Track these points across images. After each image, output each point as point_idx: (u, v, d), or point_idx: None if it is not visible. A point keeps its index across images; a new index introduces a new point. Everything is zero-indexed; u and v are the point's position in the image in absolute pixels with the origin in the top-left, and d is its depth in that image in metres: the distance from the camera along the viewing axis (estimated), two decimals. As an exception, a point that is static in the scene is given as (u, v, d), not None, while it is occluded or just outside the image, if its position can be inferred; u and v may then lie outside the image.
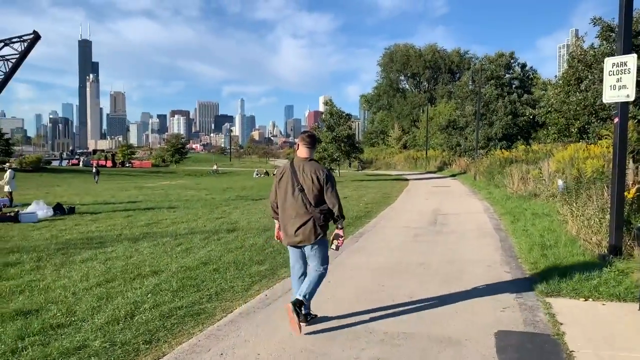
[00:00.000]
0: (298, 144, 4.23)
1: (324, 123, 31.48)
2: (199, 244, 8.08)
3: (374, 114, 70.82)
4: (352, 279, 5.87)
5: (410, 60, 63.83)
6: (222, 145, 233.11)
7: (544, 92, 27.63)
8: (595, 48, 16.41)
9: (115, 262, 6.68)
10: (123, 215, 12.18)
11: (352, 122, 34.65)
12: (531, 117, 24.87)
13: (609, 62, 6.20)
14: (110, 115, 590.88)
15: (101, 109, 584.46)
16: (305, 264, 4.25)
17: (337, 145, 29.11)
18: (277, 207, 4.25)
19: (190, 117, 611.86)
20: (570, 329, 4.01)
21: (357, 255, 7.29)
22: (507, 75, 34.11)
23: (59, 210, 12.65)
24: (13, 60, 43.32)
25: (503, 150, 26.13)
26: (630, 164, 8.75)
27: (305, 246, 4.10)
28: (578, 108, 16.02)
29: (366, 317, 4.42)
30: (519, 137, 31.37)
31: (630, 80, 5.95)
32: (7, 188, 15.52)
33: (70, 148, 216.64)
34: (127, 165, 71.40)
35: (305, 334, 4.01)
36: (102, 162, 66.57)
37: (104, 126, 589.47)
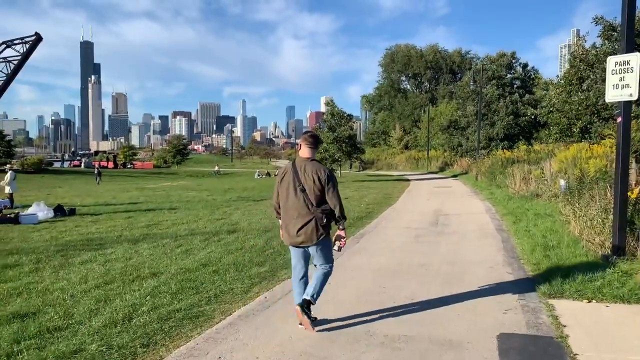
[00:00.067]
0: (300, 144, 4.20)
1: (325, 124, 31.44)
2: (199, 245, 8.03)
3: (375, 114, 70.73)
4: (353, 280, 5.82)
5: (412, 60, 63.71)
6: (224, 146, 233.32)
7: (545, 92, 27.49)
8: (597, 47, 16.31)
9: (114, 264, 6.64)
10: (124, 217, 12.16)
11: (354, 122, 34.60)
12: (533, 117, 24.81)
13: (611, 61, 6.15)
14: (112, 116, 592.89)
15: (103, 110, 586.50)
16: (306, 265, 4.22)
17: (338, 145, 29.08)
18: (280, 208, 4.22)
19: (192, 118, 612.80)
20: (574, 332, 3.95)
21: (358, 256, 7.24)
22: (509, 75, 34.07)
23: (60, 211, 12.63)
24: (15, 62, 43.33)
25: (505, 150, 26.08)
26: (634, 164, 8.69)
27: (307, 246, 4.06)
28: (580, 108, 15.94)
29: (367, 319, 4.37)
30: (521, 137, 31.32)
31: (633, 79, 5.90)
32: (7, 189, 15.50)
33: (72, 149, 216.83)
34: (129, 166, 71.49)
35: (305, 336, 3.97)
36: (104, 164, 66.73)
37: (106, 127, 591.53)
